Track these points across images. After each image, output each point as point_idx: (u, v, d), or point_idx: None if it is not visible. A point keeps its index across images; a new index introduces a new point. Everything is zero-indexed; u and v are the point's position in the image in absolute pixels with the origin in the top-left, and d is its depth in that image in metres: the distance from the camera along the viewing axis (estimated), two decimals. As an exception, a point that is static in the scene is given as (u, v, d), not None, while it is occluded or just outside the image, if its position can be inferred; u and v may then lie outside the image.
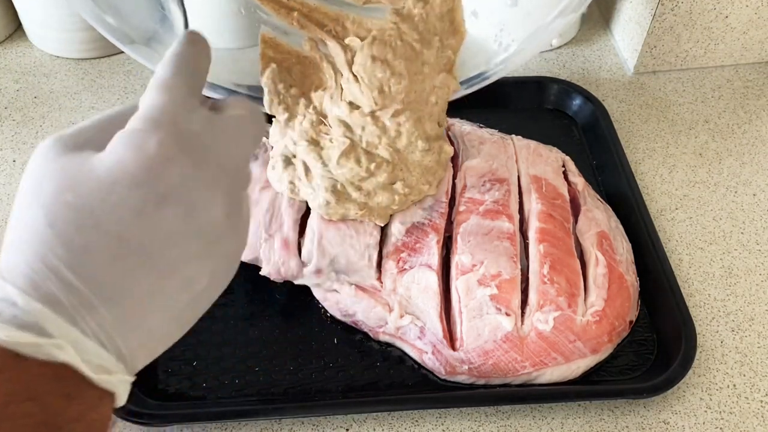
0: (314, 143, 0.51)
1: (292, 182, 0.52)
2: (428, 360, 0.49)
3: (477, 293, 0.49)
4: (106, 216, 0.27)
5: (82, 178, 0.28)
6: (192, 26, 0.74)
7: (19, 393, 0.25)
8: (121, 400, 0.29)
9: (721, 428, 0.49)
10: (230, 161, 0.31)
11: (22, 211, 0.28)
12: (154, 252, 0.28)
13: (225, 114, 0.33)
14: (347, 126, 0.49)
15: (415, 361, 0.50)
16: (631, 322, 0.52)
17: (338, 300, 0.52)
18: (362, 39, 0.47)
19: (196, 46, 0.35)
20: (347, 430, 0.48)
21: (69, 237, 0.27)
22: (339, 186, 0.50)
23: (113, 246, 0.27)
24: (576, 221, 0.55)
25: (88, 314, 0.27)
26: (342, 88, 0.49)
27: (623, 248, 0.54)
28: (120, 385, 0.28)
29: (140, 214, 0.28)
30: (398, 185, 0.51)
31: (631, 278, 0.53)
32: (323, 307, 0.53)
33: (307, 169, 0.51)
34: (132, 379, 0.29)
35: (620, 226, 0.56)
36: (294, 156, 0.53)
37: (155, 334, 0.29)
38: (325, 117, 0.50)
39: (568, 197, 0.56)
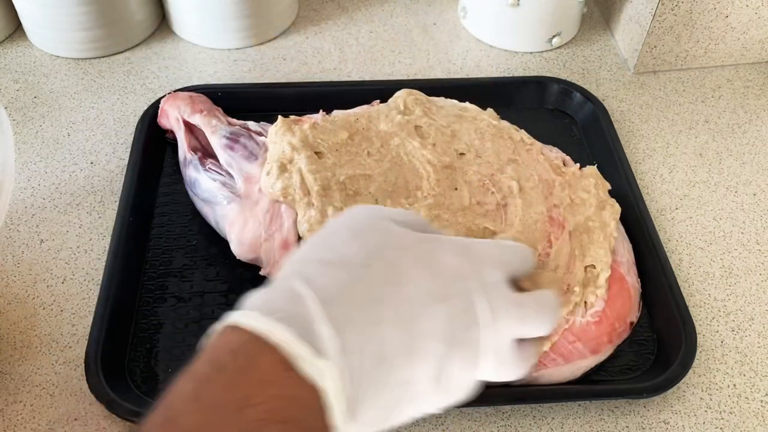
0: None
1: (285, 189, 0.52)
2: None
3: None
4: (389, 254, 0.31)
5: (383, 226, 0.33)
6: (193, 26, 0.74)
7: (276, 412, 0.26)
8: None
9: (721, 428, 0.49)
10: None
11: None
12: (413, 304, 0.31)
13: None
14: None
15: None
16: (632, 323, 0.52)
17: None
18: None
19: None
20: (347, 430, 0.48)
21: (349, 258, 0.31)
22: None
23: (388, 278, 0.30)
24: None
25: (357, 353, 0.28)
26: None
27: (624, 249, 0.54)
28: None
29: (419, 258, 0.32)
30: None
31: (632, 279, 0.53)
32: (323, 307, 0.53)
33: (302, 179, 0.51)
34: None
35: (621, 227, 0.56)
36: (290, 162, 0.53)
37: (378, 414, 0.30)
38: None
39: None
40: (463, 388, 0.32)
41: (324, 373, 0.27)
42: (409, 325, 0.30)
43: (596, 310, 0.50)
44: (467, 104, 0.61)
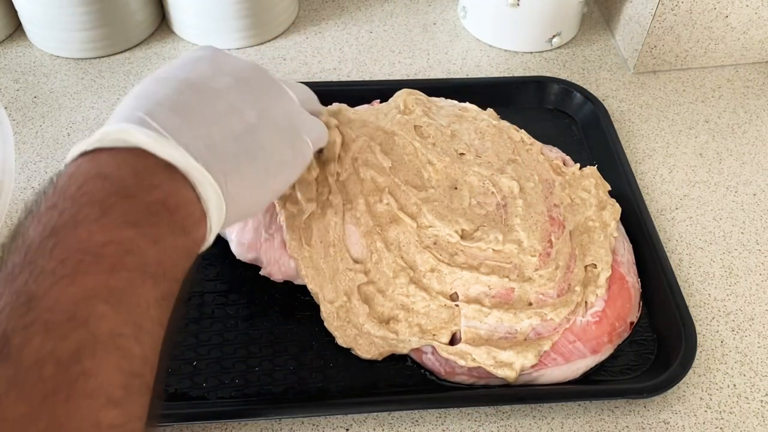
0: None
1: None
2: (428, 360, 0.49)
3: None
4: (160, 75, 0.38)
5: (155, 72, 0.40)
6: (193, 26, 0.74)
7: (92, 177, 0.31)
8: (204, 194, 0.34)
9: (721, 428, 0.49)
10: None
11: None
12: (195, 82, 0.38)
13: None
14: None
15: (415, 362, 0.50)
16: (632, 323, 0.52)
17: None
18: None
19: None
20: (347, 430, 0.48)
21: (136, 90, 0.37)
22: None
23: (166, 82, 0.37)
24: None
25: (150, 119, 0.33)
26: None
27: (624, 249, 0.54)
28: (192, 170, 0.33)
29: (183, 67, 0.39)
30: None
31: (633, 279, 0.53)
32: (323, 307, 0.53)
33: None
34: (212, 182, 0.34)
35: (621, 226, 0.56)
36: None
37: (214, 139, 0.36)
38: None
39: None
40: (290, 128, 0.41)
41: (125, 133, 0.32)
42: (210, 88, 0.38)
43: (596, 310, 0.50)
44: (467, 104, 0.61)
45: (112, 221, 0.30)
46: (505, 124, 0.60)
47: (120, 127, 0.33)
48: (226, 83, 0.39)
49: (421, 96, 0.60)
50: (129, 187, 0.31)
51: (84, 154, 0.33)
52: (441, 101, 0.61)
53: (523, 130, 0.60)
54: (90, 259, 0.28)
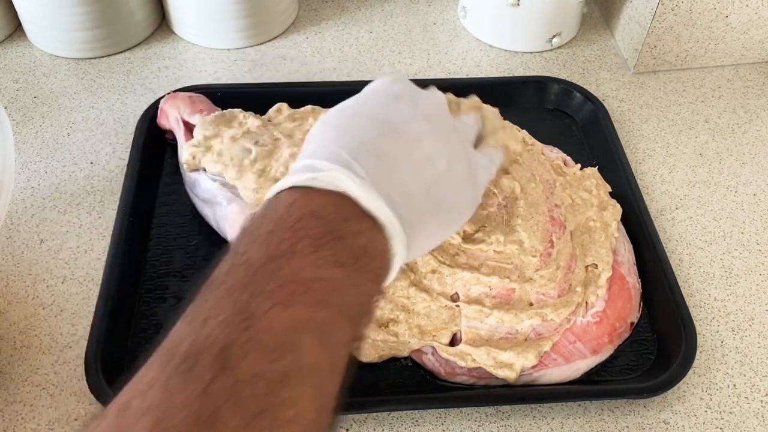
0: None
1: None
2: (428, 361, 0.49)
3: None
4: (360, 107, 0.40)
5: (348, 101, 0.42)
6: (193, 26, 0.74)
7: (307, 213, 0.33)
8: (394, 243, 0.35)
9: (721, 428, 0.49)
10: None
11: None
12: (396, 125, 0.38)
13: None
14: None
15: (415, 362, 0.50)
16: (632, 323, 0.52)
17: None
18: None
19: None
20: (347, 430, 0.48)
21: (334, 120, 0.39)
22: None
23: (366, 121, 0.38)
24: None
25: (355, 162, 0.35)
26: None
27: (624, 249, 0.54)
28: (390, 225, 0.34)
29: (381, 105, 0.40)
30: None
31: (633, 280, 0.53)
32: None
33: None
34: (401, 233, 0.35)
35: (621, 227, 0.56)
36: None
37: (409, 191, 0.36)
38: None
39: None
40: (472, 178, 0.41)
41: (336, 179, 0.34)
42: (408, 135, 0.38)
43: (597, 310, 0.50)
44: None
45: (322, 258, 0.31)
46: (506, 124, 0.60)
47: (333, 174, 0.34)
48: (423, 129, 0.39)
49: None
50: (339, 230, 0.32)
51: (295, 187, 0.34)
52: None
53: (524, 131, 0.60)
54: (302, 290, 0.30)
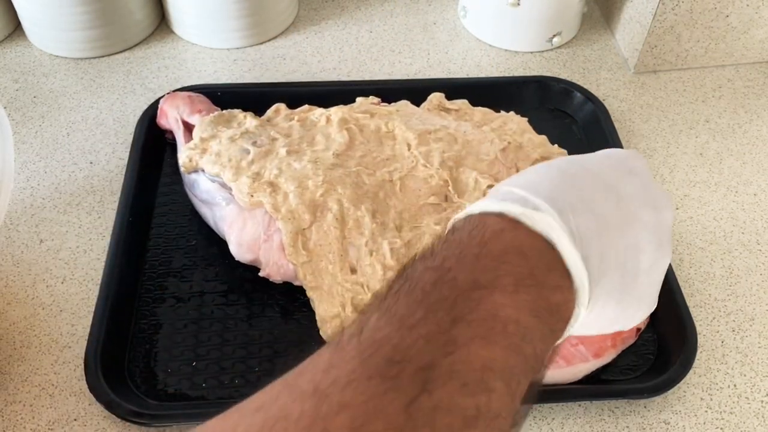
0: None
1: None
2: (428, 360, 0.49)
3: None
4: (590, 164, 0.37)
5: (580, 155, 0.39)
6: (193, 26, 0.74)
7: (514, 248, 0.31)
8: (578, 312, 0.33)
9: (721, 428, 0.49)
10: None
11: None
12: (622, 197, 0.36)
13: None
14: None
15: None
16: (638, 329, 0.51)
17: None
18: None
19: None
20: (347, 430, 0.48)
21: (562, 165, 0.37)
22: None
23: (593, 178, 0.36)
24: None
25: (572, 215, 0.33)
26: None
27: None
28: (581, 290, 0.32)
29: (613, 170, 0.37)
30: None
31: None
32: (323, 307, 0.53)
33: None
34: (586, 304, 0.33)
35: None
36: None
37: (607, 267, 0.34)
38: None
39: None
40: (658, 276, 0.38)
41: (549, 225, 0.32)
42: (619, 206, 0.36)
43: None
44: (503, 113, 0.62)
45: (521, 302, 0.30)
46: (527, 138, 0.59)
47: (547, 219, 0.32)
48: (647, 218, 0.36)
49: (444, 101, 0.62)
50: (541, 278, 0.31)
51: (504, 215, 0.33)
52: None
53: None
54: (499, 329, 0.29)
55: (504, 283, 0.30)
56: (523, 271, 0.31)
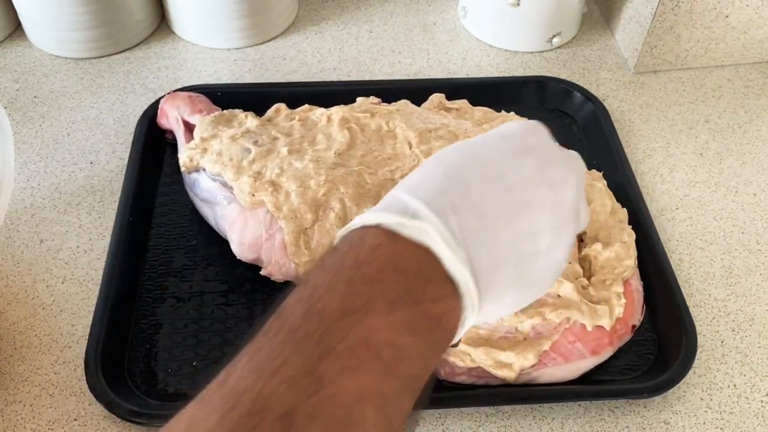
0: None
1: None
2: (428, 360, 0.49)
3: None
4: (482, 151, 0.36)
5: (475, 138, 0.38)
6: (193, 26, 0.74)
7: (389, 266, 0.30)
8: (466, 314, 0.32)
9: (721, 428, 0.49)
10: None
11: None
12: (512, 185, 0.34)
13: None
14: None
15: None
16: (634, 326, 0.52)
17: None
18: None
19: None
20: (347, 430, 0.48)
21: (450, 158, 0.35)
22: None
23: (482, 169, 0.35)
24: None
25: (453, 215, 0.32)
26: None
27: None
28: (467, 295, 0.32)
29: (506, 155, 0.36)
30: None
31: (636, 283, 0.53)
32: (323, 307, 0.53)
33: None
34: (476, 303, 0.32)
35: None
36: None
37: (499, 261, 0.33)
38: None
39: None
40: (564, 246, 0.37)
41: (425, 232, 0.31)
42: (505, 189, 0.35)
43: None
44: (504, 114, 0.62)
45: (397, 322, 0.29)
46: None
47: (423, 226, 0.31)
48: (541, 199, 0.35)
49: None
50: (418, 292, 0.30)
51: (382, 227, 0.32)
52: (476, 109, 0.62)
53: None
54: (371, 355, 0.28)
55: (378, 305, 0.29)
56: (399, 288, 0.30)
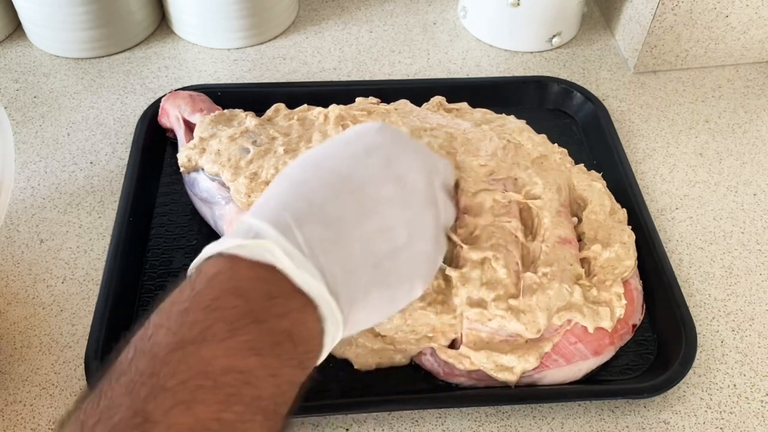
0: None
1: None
2: (426, 361, 0.49)
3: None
4: (325, 159, 0.36)
5: (319, 147, 0.38)
6: (193, 26, 0.74)
7: (228, 290, 0.30)
8: (327, 325, 0.32)
9: (721, 428, 0.49)
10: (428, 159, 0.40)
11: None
12: (358, 186, 0.34)
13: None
14: None
15: (415, 362, 0.50)
16: (634, 325, 0.52)
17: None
18: None
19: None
20: (347, 430, 0.48)
21: (294, 173, 0.35)
22: None
23: (326, 177, 0.34)
24: (580, 222, 0.55)
25: (297, 228, 0.32)
26: None
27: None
28: (324, 304, 0.31)
29: (348, 158, 0.36)
30: None
31: (636, 283, 0.53)
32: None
33: None
34: (337, 311, 0.32)
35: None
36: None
37: (354, 264, 0.33)
38: None
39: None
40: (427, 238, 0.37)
41: (268, 250, 0.31)
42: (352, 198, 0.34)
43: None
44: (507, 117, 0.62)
45: (237, 346, 0.28)
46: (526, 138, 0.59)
47: (263, 243, 0.31)
48: (389, 194, 0.35)
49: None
50: (260, 311, 0.29)
51: (223, 255, 0.31)
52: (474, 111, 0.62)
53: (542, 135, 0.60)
54: (209, 385, 0.27)
55: (215, 332, 0.28)
56: (239, 311, 0.29)
